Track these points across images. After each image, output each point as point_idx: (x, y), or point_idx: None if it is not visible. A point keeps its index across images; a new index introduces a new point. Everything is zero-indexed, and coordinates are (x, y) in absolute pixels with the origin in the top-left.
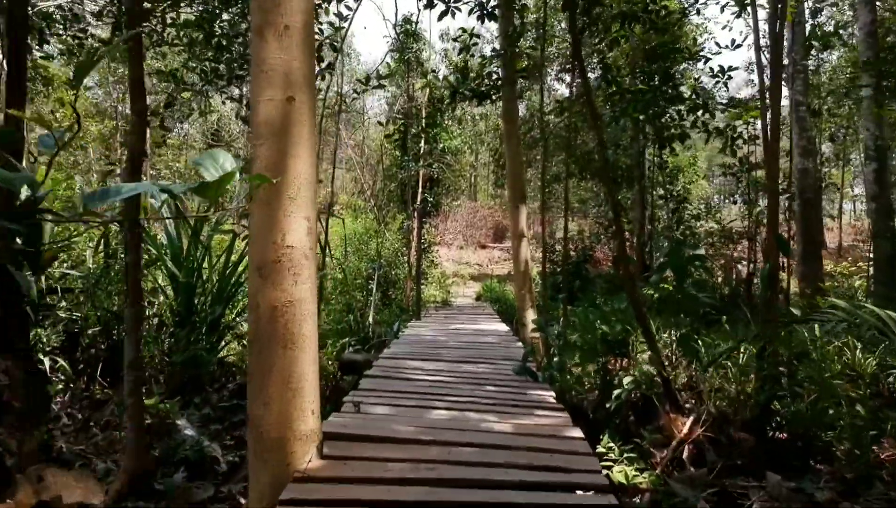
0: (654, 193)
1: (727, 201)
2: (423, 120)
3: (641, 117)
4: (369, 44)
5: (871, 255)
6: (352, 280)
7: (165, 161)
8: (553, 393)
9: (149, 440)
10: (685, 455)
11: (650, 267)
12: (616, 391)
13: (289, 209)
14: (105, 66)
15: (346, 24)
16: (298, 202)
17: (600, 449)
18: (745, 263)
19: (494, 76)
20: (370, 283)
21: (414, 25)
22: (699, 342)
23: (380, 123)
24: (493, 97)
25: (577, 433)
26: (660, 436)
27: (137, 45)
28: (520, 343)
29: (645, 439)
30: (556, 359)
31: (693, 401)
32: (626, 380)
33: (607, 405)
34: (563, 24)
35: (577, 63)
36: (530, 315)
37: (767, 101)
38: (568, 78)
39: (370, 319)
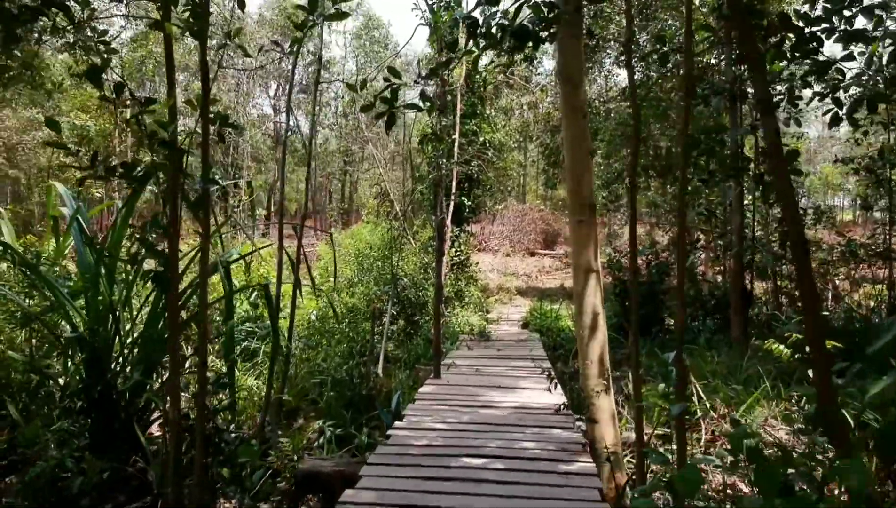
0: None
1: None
2: (459, 106)
3: (785, 75)
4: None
5: None
6: (364, 307)
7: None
8: None
9: None
10: None
11: (752, 295)
12: None
13: None
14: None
15: None
16: None
17: None
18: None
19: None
20: (384, 314)
21: None
22: None
23: (349, 87)
24: (544, 37)
25: None
26: None
27: None
28: (597, 484)
29: None
30: None
31: None
32: None
33: None
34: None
35: None
36: (605, 405)
37: None
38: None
39: (379, 366)
